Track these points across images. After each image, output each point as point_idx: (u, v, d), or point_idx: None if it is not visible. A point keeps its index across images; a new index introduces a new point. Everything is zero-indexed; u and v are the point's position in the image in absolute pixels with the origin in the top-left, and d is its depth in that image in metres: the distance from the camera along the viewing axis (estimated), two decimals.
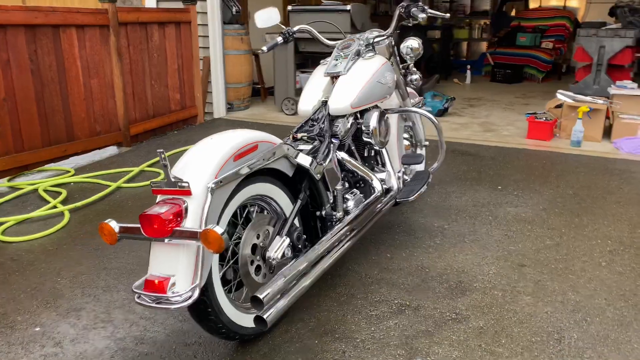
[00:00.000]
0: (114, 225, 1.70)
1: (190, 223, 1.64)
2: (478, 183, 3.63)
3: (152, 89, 4.97)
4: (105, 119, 4.50)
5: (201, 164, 1.73)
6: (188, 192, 1.65)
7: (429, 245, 2.74)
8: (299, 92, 5.88)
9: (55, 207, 3.25)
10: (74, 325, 2.12)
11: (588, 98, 4.78)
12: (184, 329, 2.08)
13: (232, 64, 5.87)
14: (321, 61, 2.77)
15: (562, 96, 4.80)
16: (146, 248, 2.71)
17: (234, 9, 5.87)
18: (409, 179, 2.87)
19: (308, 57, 6.09)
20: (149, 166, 4.09)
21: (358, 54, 2.61)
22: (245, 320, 1.91)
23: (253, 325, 1.93)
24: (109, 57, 4.44)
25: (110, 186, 3.59)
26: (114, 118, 4.58)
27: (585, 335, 2.01)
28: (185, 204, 1.65)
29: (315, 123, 2.39)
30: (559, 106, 4.98)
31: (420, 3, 2.57)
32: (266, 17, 2.81)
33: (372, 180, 2.50)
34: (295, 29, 2.82)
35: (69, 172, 3.95)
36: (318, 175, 2.14)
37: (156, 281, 1.64)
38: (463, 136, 4.89)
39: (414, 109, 2.87)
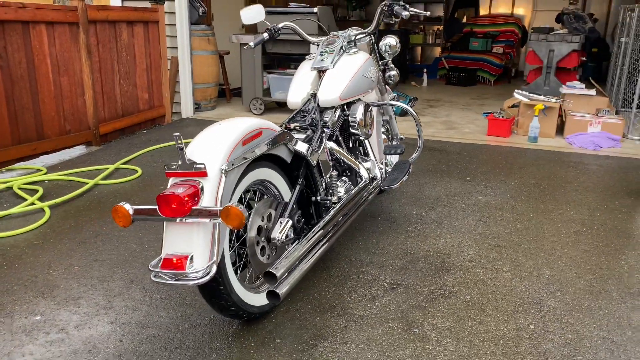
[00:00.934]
0: (128, 207, 1.74)
1: (206, 203, 1.72)
2: (448, 175, 3.83)
3: (121, 88, 4.94)
4: (75, 118, 4.44)
5: (214, 147, 1.80)
6: (204, 174, 1.72)
7: (410, 231, 2.90)
8: (266, 92, 5.98)
9: (33, 204, 3.20)
10: (75, 312, 2.14)
11: (542, 97, 5.11)
12: (188, 313, 2.14)
13: (199, 65, 5.89)
14: (306, 57, 2.88)
15: (519, 95, 5.11)
16: (135, 240, 2.74)
17: (200, 10, 5.90)
18: (389, 169, 3.02)
19: (275, 58, 6.19)
20: (124, 163, 4.07)
21: (342, 50, 2.74)
22: (252, 299, 1.99)
23: (259, 304, 2.03)
24: (78, 55, 4.39)
25: (87, 183, 3.57)
26: (84, 117, 4.53)
27: (562, 304, 2.21)
28: (201, 185, 1.73)
29: (306, 114, 2.50)
30: (515, 105, 5.30)
31: (401, 2, 2.73)
32: (252, 14, 2.89)
33: (359, 169, 2.64)
34: (280, 25, 2.91)
35: (40, 170, 3.88)
36: (314, 161, 2.25)
37: (174, 259, 1.70)
38: (428, 133, 5.11)
39: (396, 102, 3.02)
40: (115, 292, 2.29)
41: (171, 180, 1.79)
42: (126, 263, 2.55)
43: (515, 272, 2.46)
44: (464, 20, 10.35)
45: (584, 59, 6.67)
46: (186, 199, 1.67)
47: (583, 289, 2.33)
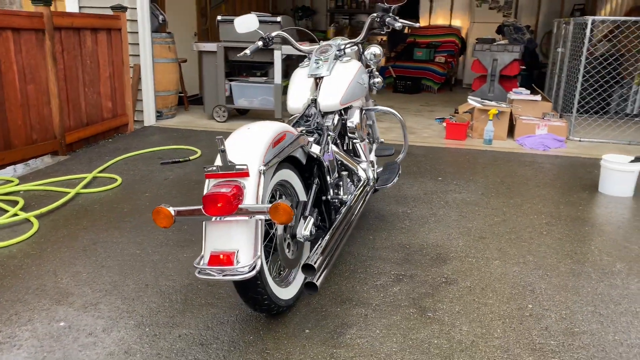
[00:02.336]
0: (171, 209, 1.81)
1: (248, 201, 1.82)
2: (421, 176, 4.08)
3: (86, 96, 4.84)
4: (42, 127, 4.31)
5: (250, 149, 1.91)
6: (246, 174, 1.82)
7: (401, 227, 3.09)
8: (229, 99, 6.03)
9: (16, 214, 3.12)
10: (99, 317, 2.15)
11: (493, 102, 5.51)
12: (212, 312, 2.21)
13: (160, 72, 5.86)
14: (300, 64, 3.01)
15: (473, 102, 5.48)
16: (135, 246, 2.76)
17: (160, 18, 5.88)
18: (378, 170, 3.20)
19: (236, 65, 6.25)
20: (99, 172, 4.01)
21: (336, 58, 2.90)
22: (281, 292, 2.09)
23: (286, 298, 2.14)
24: (44, 63, 4.28)
25: (67, 193, 3.50)
26: (50, 126, 4.41)
27: (550, 285, 2.47)
28: (243, 185, 1.82)
29: (309, 119, 2.63)
30: (468, 112, 5.67)
31: (391, 13, 2.93)
32: (245, 24, 3.00)
33: (357, 170, 2.80)
34: (273, 34, 3.03)
35: (12, 181, 3.75)
36: (326, 162, 2.39)
37: (221, 256, 1.78)
38: (391, 138, 5.37)
39: (387, 108, 3.22)
40: (133, 296, 2.32)
41: (211, 182, 1.87)
42: (135, 268, 2.56)
43: (503, 260, 2.71)
44: (407, 31, 10.81)
45: (524, 67, 7.21)
46: (232, 197, 1.76)
47: (565, 271, 2.60)
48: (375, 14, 2.95)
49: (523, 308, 2.27)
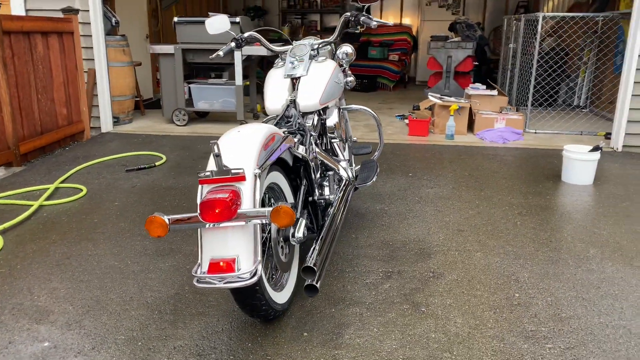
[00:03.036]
0: (165, 217, 1.75)
1: (245, 206, 1.78)
2: (392, 172, 4.12)
3: (39, 104, 4.61)
4: None
5: (243, 152, 1.86)
6: (242, 178, 1.78)
7: (381, 224, 3.11)
8: (188, 102, 5.89)
9: None
10: (85, 334, 2.05)
11: (453, 98, 5.64)
12: (206, 320, 2.15)
13: (116, 76, 5.66)
14: (274, 65, 2.98)
15: (433, 98, 5.59)
16: (112, 257, 2.66)
17: (113, 20, 5.68)
18: (357, 169, 3.21)
19: (195, 67, 6.12)
20: (61, 182, 3.83)
21: (311, 58, 2.88)
22: (277, 297, 2.06)
23: (281, 302, 2.10)
24: None
25: (31, 206, 3.33)
26: (2, 135, 4.17)
27: (532, 273, 2.55)
28: (239, 189, 1.78)
29: (290, 119, 2.60)
30: (428, 107, 5.78)
31: (364, 12, 2.94)
32: (216, 25, 2.94)
33: (338, 170, 2.79)
34: (246, 35, 2.98)
35: None
36: (312, 163, 2.37)
37: (221, 263, 1.74)
38: (357, 136, 5.40)
39: (362, 107, 3.24)
40: (118, 310, 2.22)
41: (205, 187, 1.82)
42: (116, 281, 2.46)
43: (484, 252, 2.78)
44: (359, 30, 10.90)
45: (476, 63, 7.43)
46: (231, 203, 1.72)
47: (544, 259, 2.70)
48: (349, 14, 2.96)
49: (511, 297, 2.34)
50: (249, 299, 1.91)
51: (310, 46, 2.95)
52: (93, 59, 5.32)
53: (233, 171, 1.78)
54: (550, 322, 2.15)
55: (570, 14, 5.48)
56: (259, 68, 7.30)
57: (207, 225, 1.76)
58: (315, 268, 1.88)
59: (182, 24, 5.69)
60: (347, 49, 3.20)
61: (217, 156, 1.76)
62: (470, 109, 5.57)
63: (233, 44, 2.97)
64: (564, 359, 1.92)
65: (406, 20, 11.17)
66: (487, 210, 3.35)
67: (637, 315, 2.19)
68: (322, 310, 2.22)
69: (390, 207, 3.39)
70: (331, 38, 3.04)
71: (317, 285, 1.90)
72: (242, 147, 1.89)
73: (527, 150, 4.93)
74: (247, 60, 5.96)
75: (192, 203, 3.46)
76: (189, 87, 5.90)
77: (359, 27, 2.94)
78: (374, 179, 3.05)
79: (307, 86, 2.70)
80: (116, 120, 5.78)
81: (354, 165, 3.09)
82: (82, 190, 3.66)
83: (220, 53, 2.94)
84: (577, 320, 2.16)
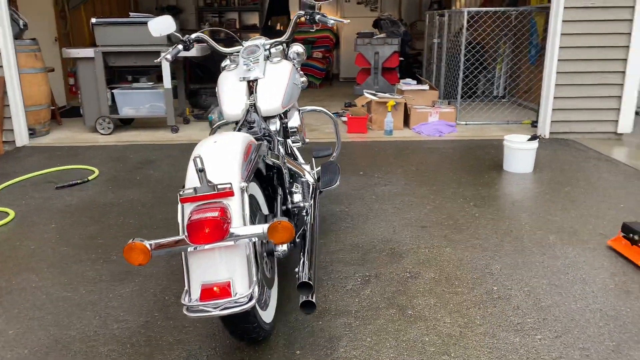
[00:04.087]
0: (146, 243, 1.57)
1: (235, 223, 1.63)
2: (343, 172, 4.07)
3: None
4: None
5: (225, 165, 1.71)
6: (230, 193, 1.63)
7: (346, 226, 3.05)
8: (112, 109, 5.51)
9: None
10: None
11: (387, 94, 5.70)
12: (189, 349, 1.97)
13: (28, 84, 5.15)
14: (226, 67, 2.81)
15: (369, 95, 5.61)
16: (61, 287, 2.41)
17: (21, 23, 5.17)
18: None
19: (117, 72, 5.72)
20: None
21: (265, 59, 2.75)
22: (265, 316, 1.93)
23: (268, 321, 1.98)
24: None
25: None
26: None
27: (504, 265, 2.60)
28: (227, 206, 1.63)
29: (253, 125, 2.46)
30: (365, 105, 5.81)
31: (317, 10, 2.85)
32: (161, 27, 2.73)
33: (304, 174, 2.69)
34: (193, 36, 2.79)
35: None
36: (285, 170, 2.25)
37: (215, 288, 1.59)
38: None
39: (318, 107, 3.15)
40: (83, 349, 1.99)
41: (187, 206, 1.65)
42: (72, 314, 2.20)
43: (453, 247, 2.80)
44: (279, 27, 10.80)
45: (402, 59, 7.58)
46: (222, 222, 1.57)
47: (510, 250, 2.76)
48: (302, 12, 2.85)
49: (490, 291, 2.36)
50: (242, 322, 1.77)
51: (263, 47, 2.82)
52: (1, 66, 4.81)
53: (219, 186, 1.62)
54: (534, 313, 2.18)
55: (493, 9, 5.72)
56: (184, 70, 6.99)
57: (194, 248, 1.60)
58: (311, 283, 1.77)
59: (102, 25, 5.29)
60: (298, 48, 3.10)
61: (201, 171, 1.60)
62: (405, 104, 5.66)
63: (180, 47, 2.77)
64: (556, 348, 1.95)
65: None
66: (443, 205, 3.39)
67: (608, 297, 2.29)
68: (309, 325, 2.11)
69: (350, 208, 3.34)
70: (283, 38, 2.92)
71: (314, 301, 1.80)
72: (223, 159, 1.74)
73: (463, 142, 5.09)
74: (175, 63, 5.67)
75: (140, 220, 3.20)
76: (112, 93, 5.51)
77: (314, 25, 2.85)
78: (338, 182, 2.97)
79: (266, 89, 2.57)
80: (32, 133, 5.27)
81: (314, 168, 2.99)
82: (8, 214, 3.27)
83: (168, 57, 2.73)
84: (556, 308, 2.22)
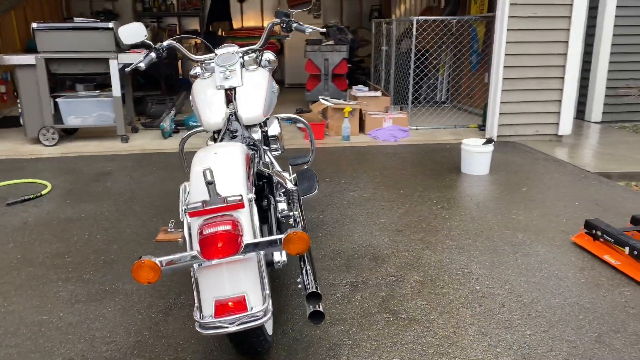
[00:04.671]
0: (156, 260, 1.51)
1: (246, 236, 1.60)
2: None
3: None
4: None
5: (230, 176, 1.68)
6: (241, 205, 1.60)
7: (324, 233, 3.06)
8: (56, 119, 5.23)
9: None
10: None
11: (342, 101, 5.76)
12: None
13: None
14: (200, 76, 2.76)
15: (325, 101, 5.66)
16: (35, 310, 2.32)
17: None
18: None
19: (59, 79, 5.43)
20: None
21: (241, 67, 2.72)
22: (268, 328, 1.90)
23: (270, 333, 1.95)
24: None
25: None
26: None
27: (480, 264, 2.70)
28: (237, 218, 1.60)
29: (236, 134, 2.42)
30: (321, 111, 5.84)
31: (292, 18, 2.84)
32: (131, 33, 2.63)
33: (286, 182, 2.67)
34: (165, 43, 2.71)
35: None
36: (275, 179, 2.24)
37: (230, 303, 1.55)
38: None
39: (294, 115, 3.14)
40: None
41: (195, 220, 1.60)
42: (54, 339, 2.07)
43: (431, 249, 2.87)
44: (221, 33, 10.65)
45: (350, 65, 7.67)
46: (237, 235, 1.53)
47: (484, 250, 2.87)
48: (277, 20, 2.84)
49: (474, 291, 2.44)
50: (251, 337, 1.74)
51: (237, 54, 2.78)
52: None
53: (229, 199, 1.59)
54: (518, 309, 2.28)
55: (440, 18, 5.93)
56: (139, 76, 6.75)
57: (204, 263, 1.56)
58: (320, 292, 1.76)
59: (44, 30, 5.02)
60: (269, 55, 3.08)
61: (210, 183, 1.56)
62: (360, 110, 5.75)
63: (153, 55, 2.68)
64: (545, 343, 2.05)
65: (267, 23, 11.17)
66: (413, 208, 3.47)
67: (581, 291, 2.44)
68: (308, 334, 2.10)
69: (325, 214, 3.35)
70: (256, 45, 2.90)
71: (322, 310, 1.79)
72: (229, 171, 1.71)
73: (419, 146, 5.23)
74: (124, 69, 5.45)
75: (108, 235, 3.06)
76: (56, 102, 5.22)
77: (289, 34, 2.85)
78: (317, 189, 2.98)
79: (246, 97, 2.54)
80: None
81: (290, 176, 2.98)
82: None
83: (142, 65, 2.62)
84: (538, 304, 2.33)
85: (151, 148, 5.13)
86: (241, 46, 8.59)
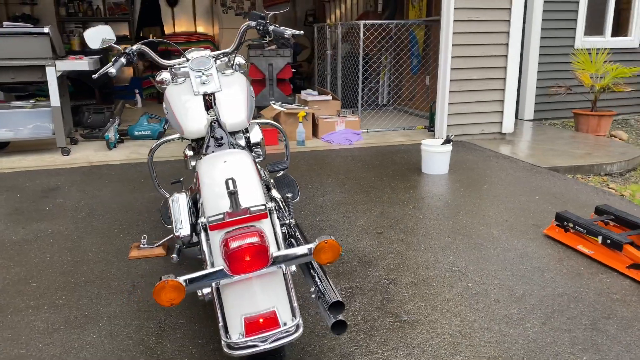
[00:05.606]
0: (180, 279, 1.39)
1: (271, 247, 1.52)
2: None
3: None
4: None
5: (250, 186, 1.59)
6: (265, 215, 1.51)
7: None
8: None
9: None
10: None
11: (294, 105, 5.71)
12: None
13: None
14: (172, 81, 2.61)
15: (277, 106, 5.57)
16: (14, 341, 2.15)
17: None
18: None
19: None
20: None
21: (218, 71, 2.60)
22: None
23: None
24: None
25: None
26: None
27: (466, 261, 2.74)
28: (261, 229, 1.51)
29: (221, 141, 2.31)
30: (274, 117, 5.75)
31: (268, 21, 2.75)
32: (100, 37, 2.46)
33: (271, 190, 2.58)
34: (134, 47, 2.55)
35: None
36: (271, 187, 2.15)
37: (260, 319, 1.46)
38: None
39: (269, 120, 3.04)
40: None
41: (215, 234, 1.50)
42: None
43: (416, 250, 2.88)
44: (152, 38, 10.25)
45: (294, 70, 7.64)
46: (266, 247, 1.44)
47: (465, 247, 2.92)
48: (253, 22, 2.75)
49: (467, 288, 2.47)
50: (274, 353, 1.64)
51: (211, 58, 2.66)
52: None
53: (253, 209, 1.50)
54: (513, 304, 2.34)
55: (387, 22, 6.03)
56: (69, 83, 6.34)
57: (236, 278, 1.46)
58: (342, 301, 1.70)
59: None
60: (240, 60, 2.97)
61: (233, 194, 1.47)
62: (313, 114, 5.72)
63: (124, 60, 2.51)
64: (547, 334, 2.11)
65: (200, 29, 10.91)
66: (387, 210, 3.48)
67: (566, 281, 2.53)
68: (316, 344, 2.03)
69: (301, 220, 3.28)
70: (229, 49, 2.79)
71: (345, 320, 1.73)
72: (245, 179, 1.62)
73: (374, 148, 5.28)
74: (60, 78, 5.10)
75: (72, 256, 2.82)
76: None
77: (267, 37, 2.76)
78: (299, 195, 2.91)
79: (227, 103, 2.44)
80: None
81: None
82: None
83: (113, 70, 2.45)
84: (530, 296, 2.39)
85: (97, 160, 4.82)
86: (177, 52, 8.31)
